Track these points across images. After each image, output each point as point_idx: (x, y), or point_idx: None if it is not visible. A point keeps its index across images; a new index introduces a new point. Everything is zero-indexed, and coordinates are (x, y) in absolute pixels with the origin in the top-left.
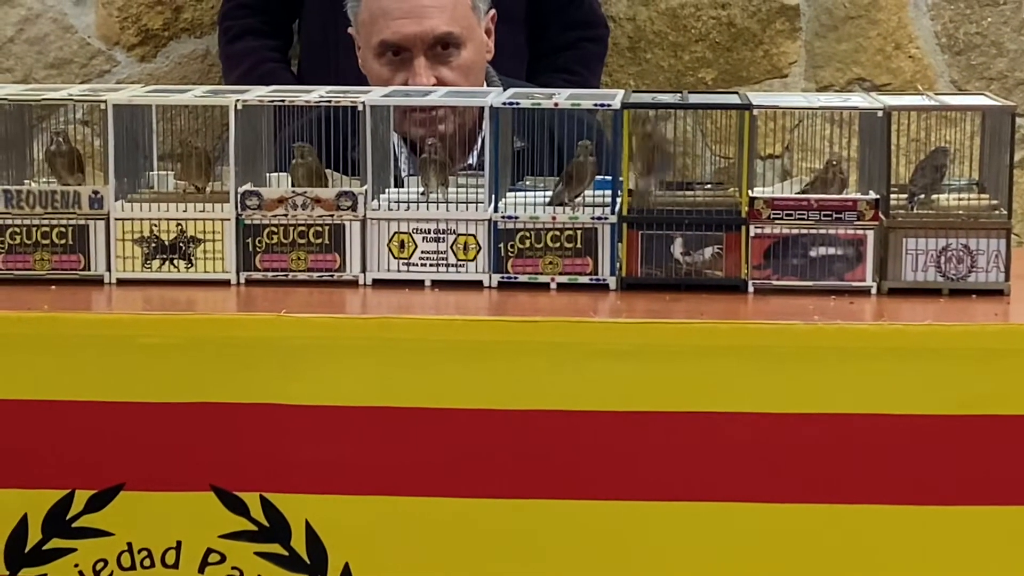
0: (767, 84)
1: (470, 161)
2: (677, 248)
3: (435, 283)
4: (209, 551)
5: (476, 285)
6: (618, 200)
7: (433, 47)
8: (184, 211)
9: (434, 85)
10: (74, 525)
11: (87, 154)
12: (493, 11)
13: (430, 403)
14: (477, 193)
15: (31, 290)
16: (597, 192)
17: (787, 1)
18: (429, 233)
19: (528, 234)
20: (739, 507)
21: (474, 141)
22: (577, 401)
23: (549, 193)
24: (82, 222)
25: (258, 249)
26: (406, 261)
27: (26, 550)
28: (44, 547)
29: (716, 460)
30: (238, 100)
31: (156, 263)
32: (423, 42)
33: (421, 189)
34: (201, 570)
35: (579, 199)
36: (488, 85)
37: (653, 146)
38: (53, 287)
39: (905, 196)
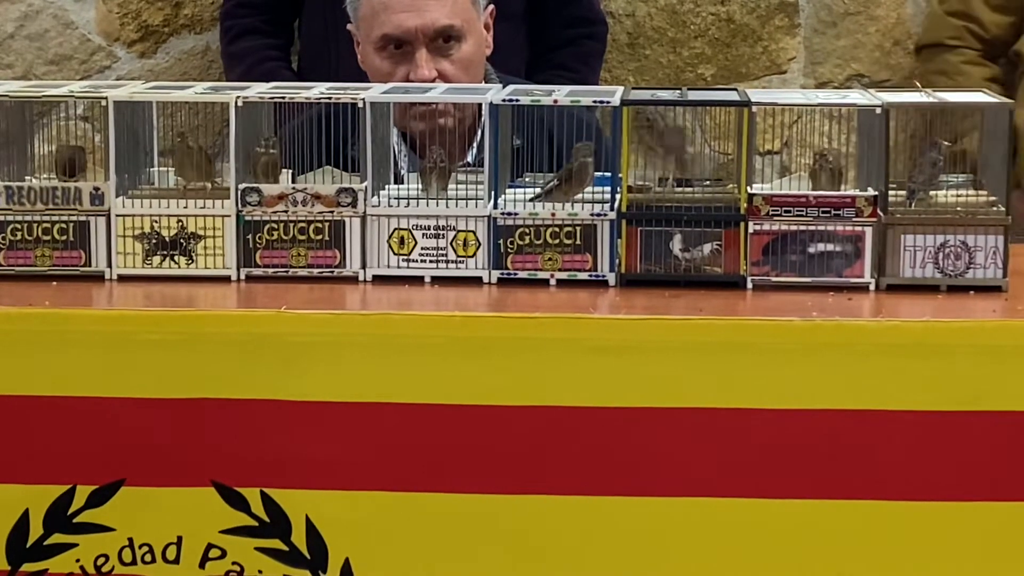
0: (766, 80)
1: (468, 159)
2: (676, 244)
3: (435, 279)
4: (210, 546)
5: (476, 281)
6: (617, 196)
7: (434, 40)
8: (185, 207)
9: (435, 78)
10: (75, 520)
11: (88, 150)
12: (492, 6)
13: (430, 399)
14: (477, 190)
15: (32, 286)
16: (596, 188)
17: None
18: (429, 229)
19: (527, 230)
20: (738, 503)
21: (472, 138)
22: (576, 397)
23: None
24: (83, 218)
25: (258, 245)
26: (406, 257)
27: (27, 545)
28: (45, 542)
29: (714, 456)
30: (238, 97)
31: (157, 259)
32: (424, 35)
33: (421, 187)
34: (202, 565)
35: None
36: (486, 83)
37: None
38: (54, 283)
39: (904, 192)
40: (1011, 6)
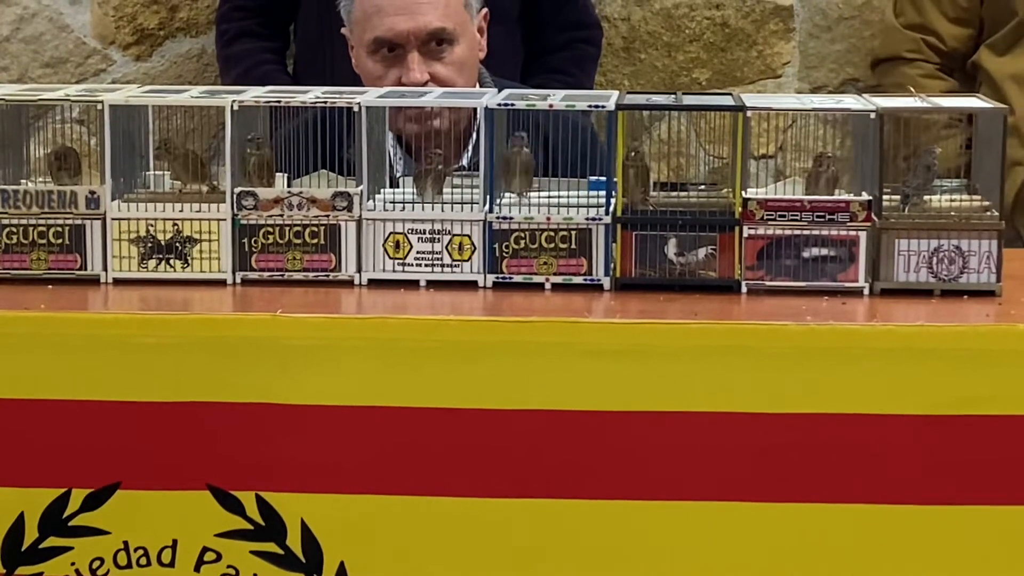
0: (761, 84)
1: (463, 162)
2: (671, 249)
3: (430, 283)
4: (205, 550)
5: (471, 285)
6: (612, 201)
7: (427, 43)
8: (180, 211)
9: (427, 81)
10: (71, 524)
11: (83, 153)
12: (485, 10)
13: (425, 403)
14: (472, 194)
15: (28, 289)
16: (591, 193)
17: (781, 2)
18: (424, 233)
19: (523, 234)
20: (732, 506)
21: (467, 141)
22: (571, 401)
23: (543, 194)
24: (79, 222)
25: (254, 249)
26: (401, 261)
27: (23, 548)
28: (41, 545)
29: (709, 460)
30: (234, 101)
31: (152, 263)
32: (416, 38)
33: (415, 191)
34: (197, 569)
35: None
36: (481, 86)
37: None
38: (50, 286)
39: (898, 197)
40: (969, 18)
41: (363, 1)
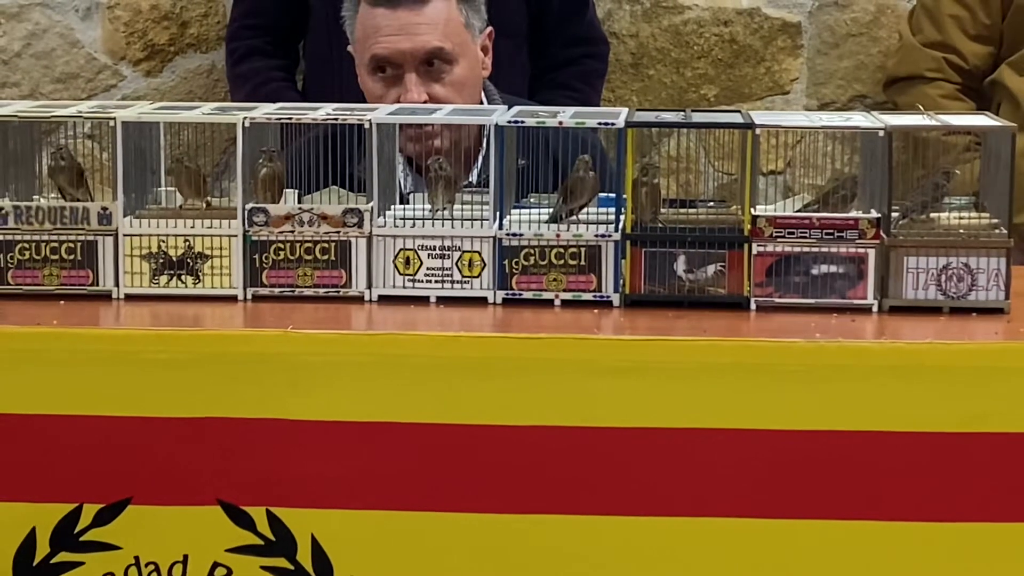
0: (769, 101)
1: (470, 179)
2: (680, 265)
3: (440, 299)
4: (216, 565)
5: (481, 302)
6: (622, 217)
7: (424, 63)
8: (192, 227)
9: (425, 101)
10: (82, 539)
11: (93, 168)
12: (490, 28)
13: (434, 419)
14: (482, 210)
15: (40, 305)
16: (600, 209)
17: (789, 18)
18: (434, 250)
19: (532, 251)
20: (740, 523)
21: (474, 159)
22: (580, 417)
23: (552, 210)
24: (91, 238)
25: (265, 265)
26: (411, 277)
27: (34, 563)
28: (52, 560)
29: (718, 476)
30: (246, 118)
31: (164, 279)
32: (414, 58)
33: (427, 206)
34: None
35: (579, 214)
36: (488, 102)
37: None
38: (62, 302)
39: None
40: (990, 35)
41: (363, 21)
